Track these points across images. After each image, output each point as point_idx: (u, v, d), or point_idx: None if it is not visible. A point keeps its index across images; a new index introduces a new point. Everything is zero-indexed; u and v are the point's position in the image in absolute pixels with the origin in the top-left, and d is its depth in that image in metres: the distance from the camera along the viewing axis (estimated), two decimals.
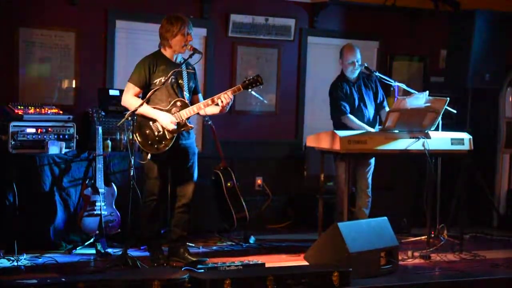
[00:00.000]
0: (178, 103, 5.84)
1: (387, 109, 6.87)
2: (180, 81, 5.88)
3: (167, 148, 5.81)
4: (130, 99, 5.79)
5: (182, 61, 5.93)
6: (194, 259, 5.90)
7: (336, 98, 6.76)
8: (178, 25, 5.81)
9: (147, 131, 5.80)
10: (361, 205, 6.84)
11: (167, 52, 5.89)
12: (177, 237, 6.02)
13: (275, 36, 8.09)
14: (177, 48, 5.86)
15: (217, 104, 5.83)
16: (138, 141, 5.76)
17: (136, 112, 5.71)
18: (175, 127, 5.77)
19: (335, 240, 5.64)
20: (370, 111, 6.84)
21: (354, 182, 6.91)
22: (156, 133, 5.80)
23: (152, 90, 5.73)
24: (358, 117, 6.72)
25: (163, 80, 5.76)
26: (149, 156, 5.80)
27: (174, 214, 6.05)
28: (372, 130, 6.65)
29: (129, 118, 5.68)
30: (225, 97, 5.81)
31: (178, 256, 5.97)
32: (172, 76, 5.77)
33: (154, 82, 5.80)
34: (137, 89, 5.81)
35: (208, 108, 5.89)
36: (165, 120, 5.75)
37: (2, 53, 6.93)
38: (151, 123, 5.80)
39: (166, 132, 5.79)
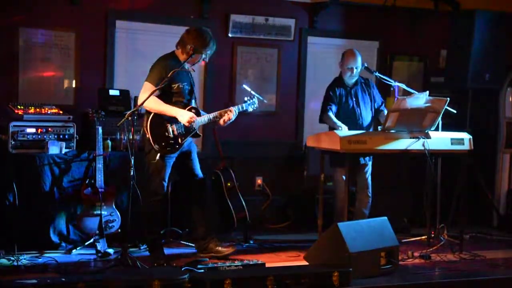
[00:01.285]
0: (193, 111, 5.95)
1: (385, 111, 6.87)
2: (192, 88, 6.03)
3: (178, 151, 5.91)
4: (151, 99, 5.80)
5: (188, 67, 6.04)
6: (226, 251, 6.05)
7: (326, 98, 6.78)
8: (208, 47, 5.96)
9: (162, 132, 5.86)
10: (361, 205, 6.84)
11: (181, 57, 5.97)
12: (203, 233, 6.15)
13: (275, 36, 8.09)
14: (190, 61, 5.95)
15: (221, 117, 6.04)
16: (151, 140, 5.81)
17: (155, 111, 5.76)
18: (194, 121, 5.87)
19: (335, 240, 5.63)
20: (365, 116, 6.82)
21: (354, 183, 6.91)
22: (171, 135, 5.87)
23: (157, 89, 5.79)
24: (352, 121, 6.70)
25: (180, 86, 5.89)
26: (158, 156, 5.84)
27: (192, 211, 6.16)
28: (344, 127, 6.59)
29: (129, 117, 5.70)
30: (230, 113, 6.03)
31: (209, 251, 6.10)
32: (185, 83, 5.92)
33: (173, 86, 5.87)
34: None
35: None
36: (185, 116, 5.83)
37: (2, 53, 6.93)
38: (168, 125, 5.87)
39: (179, 136, 5.87)
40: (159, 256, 5.93)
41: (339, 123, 6.58)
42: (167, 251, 6.16)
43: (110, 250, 6.14)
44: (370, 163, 6.86)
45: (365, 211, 6.81)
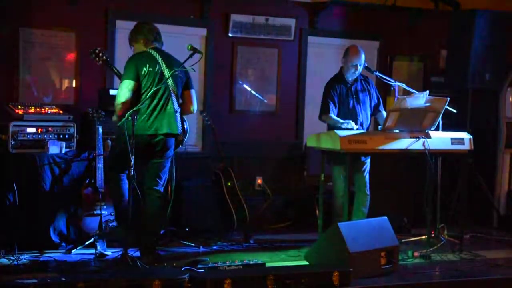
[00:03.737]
0: None
1: (383, 113, 6.88)
2: None
3: None
4: None
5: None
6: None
7: (326, 96, 6.76)
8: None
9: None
10: (359, 204, 6.84)
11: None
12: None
13: (275, 36, 8.09)
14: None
15: None
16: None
17: None
18: None
19: (335, 240, 5.64)
20: (364, 114, 6.82)
21: (352, 182, 6.90)
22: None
23: None
24: (352, 119, 6.68)
25: None
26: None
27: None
28: (351, 122, 6.59)
29: (129, 117, 5.70)
30: None
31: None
32: None
33: None
34: None
35: None
36: None
37: (2, 53, 6.93)
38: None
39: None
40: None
41: (342, 120, 6.58)
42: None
43: (110, 250, 6.14)
44: (368, 162, 6.86)
45: (364, 210, 6.80)
